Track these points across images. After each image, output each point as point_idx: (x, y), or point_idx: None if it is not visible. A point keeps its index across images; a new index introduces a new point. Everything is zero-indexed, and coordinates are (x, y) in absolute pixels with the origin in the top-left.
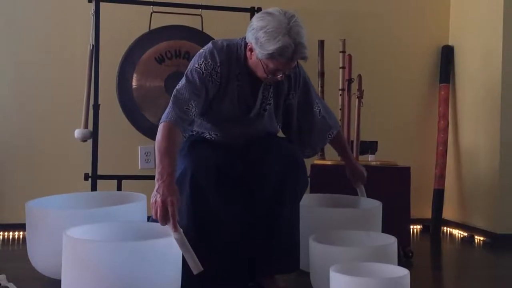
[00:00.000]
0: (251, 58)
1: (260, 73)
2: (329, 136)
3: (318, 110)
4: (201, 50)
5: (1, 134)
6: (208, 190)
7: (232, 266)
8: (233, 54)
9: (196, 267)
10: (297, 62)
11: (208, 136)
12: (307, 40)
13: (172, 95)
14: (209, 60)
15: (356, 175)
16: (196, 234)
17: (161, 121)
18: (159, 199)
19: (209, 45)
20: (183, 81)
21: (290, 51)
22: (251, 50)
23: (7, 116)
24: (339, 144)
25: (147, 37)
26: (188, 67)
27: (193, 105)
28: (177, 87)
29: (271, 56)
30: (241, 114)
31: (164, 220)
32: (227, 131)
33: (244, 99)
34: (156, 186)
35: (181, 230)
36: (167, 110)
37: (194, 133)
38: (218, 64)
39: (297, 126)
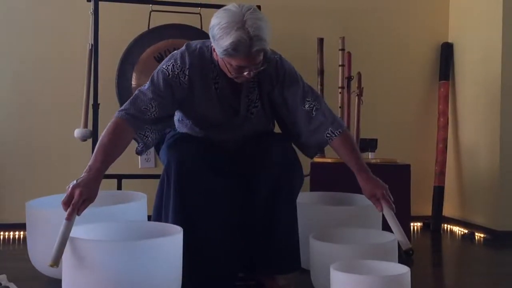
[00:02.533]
0: (217, 59)
1: (228, 73)
2: (328, 135)
3: (309, 109)
4: (174, 52)
5: (1, 134)
6: (197, 180)
7: (229, 265)
8: (207, 57)
9: (53, 259)
10: (280, 57)
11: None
12: (268, 33)
13: (134, 94)
14: (178, 62)
15: (374, 195)
16: (188, 232)
17: (115, 115)
18: (70, 187)
19: (183, 47)
20: (148, 82)
21: (245, 45)
22: (215, 50)
23: (7, 116)
24: (347, 152)
25: (146, 36)
26: (157, 67)
27: (153, 105)
28: (141, 87)
29: (227, 53)
30: (227, 118)
31: (65, 206)
32: (216, 136)
33: (227, 102)
34: (80, 176)
35: (73, 222)
36: (123, 106)
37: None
38: (187, 67)
39: (291, 123)
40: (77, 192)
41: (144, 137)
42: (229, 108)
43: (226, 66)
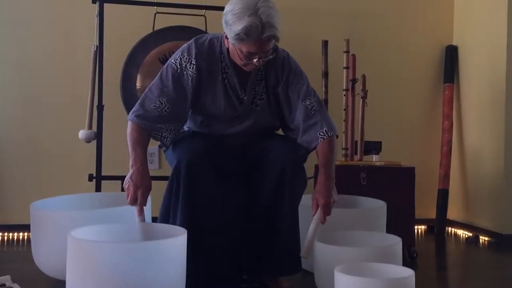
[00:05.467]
0: (228, 46)
1: (237, 60)
2: (321, 134)
3: (310, 106)
4: (183, 45)
5: (6, 135)
6: (205, 182)
7: (234, 266)
8: (216, 48)
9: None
10: (288, 54)
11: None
12: (279, 21)
13: (144, 92)
14: (185, 54)
15: (320, 198)
16: (195, 233)
17: (128, 118)
18: (131, 188)
19: (192, 39)
20: (157, 77)
21: (256, 31)
22: (227, 37)
23: (12, 117)
24: (325, 152)
25: (151, 38)
26: (167, 62)
27: (162, 102)
28: (151, 83)
29: (239, 37)
30: (232, 108)
31: (133, 204)
32: (223, 130)
33: (233, 91)
34: (130, 172)
35: (144, 216)
36: (134, 108)
37: (189, 130)
38: (194, 57)
39: (290, 120)
40: (140, 193)
41: (162, 137)
42: (235, 98)
43: (236, 52)
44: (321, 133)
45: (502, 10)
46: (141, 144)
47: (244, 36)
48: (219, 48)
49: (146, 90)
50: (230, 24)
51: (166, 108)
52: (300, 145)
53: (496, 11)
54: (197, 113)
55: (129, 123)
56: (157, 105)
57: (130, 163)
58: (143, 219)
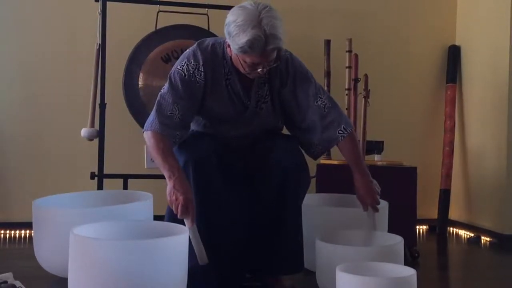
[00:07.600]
0: (231, 55)
1: (241, 68)
2: (340, 132)
3: (323, 105)
4: (186, 51)
5: (8, 133)
6: (213, 182)
7: (238, 265)
8: (219, 53)
9: (202, 259)
10: (291, 55)
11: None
12: (282, 31)
13: (156, 101)
14: (192, 60)
15: (366, 197)
16: (202, 232)
17: (145, 129)
18: (180, 198)
19: (194, 45)
20: (166, 84)
21: (260, 43)
22: (229, 46)
23: (14, 115)
24: (353, 151)
25: (154, 37)
26: (172, 68)
27: (177, 109)
28: (161, 91)
29: (242, 50)
30: (237, 113)
31: (183, 216)
32: (227, 132)
33: (237, 97)
34: (172, 183)
35: (196, 224)
36: (151, 118)
37: (192, 131)
38: (201, 63)
39: (300, 121)
40: (188, 200)
41: (174, 143)
42: (239, 103)
43: (240, 62)
44: (340, 131)
45: (505, 10)
46: (169, 153)
47: (248, 49)
48: (221, 54)
49: (158, 98)
50: (233, 35)
51: (179, 115)
52: (319, 145)
53: (499, 11)
54: (201, 116)
55: (150, 134)
56: (173, 112)
57: (167, 175)
58: (195, 229)
